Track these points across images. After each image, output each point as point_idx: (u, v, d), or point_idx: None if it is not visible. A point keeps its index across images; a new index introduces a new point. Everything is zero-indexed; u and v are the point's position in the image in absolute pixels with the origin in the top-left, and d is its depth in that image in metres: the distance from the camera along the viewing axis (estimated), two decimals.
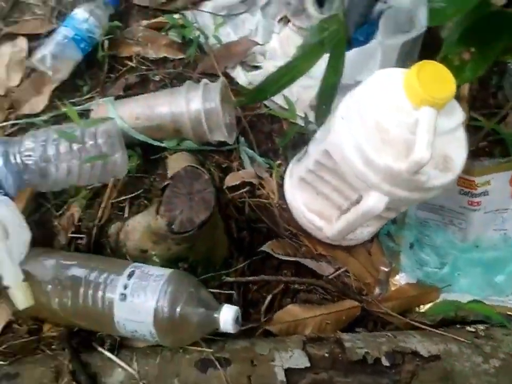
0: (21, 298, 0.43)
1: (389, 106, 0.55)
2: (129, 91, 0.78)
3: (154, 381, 0.56)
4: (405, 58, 0.74)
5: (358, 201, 0.63)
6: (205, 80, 0.70)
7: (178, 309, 0.55)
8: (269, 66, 0.78)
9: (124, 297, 0.56)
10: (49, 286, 0.57)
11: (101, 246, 0.68)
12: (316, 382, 0.58)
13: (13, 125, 0.75)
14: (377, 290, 0.72)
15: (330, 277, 0.71)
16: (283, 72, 0.63)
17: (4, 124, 0.75)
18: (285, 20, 0.81)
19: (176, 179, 0.57)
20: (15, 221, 0.58)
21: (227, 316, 0.55)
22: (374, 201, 0.59)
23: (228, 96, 0.70)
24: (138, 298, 0.55)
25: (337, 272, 0.72)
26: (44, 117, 0.75)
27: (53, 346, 0.61)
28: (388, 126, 0.55)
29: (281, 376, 0.57)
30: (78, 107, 0.75)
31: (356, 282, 0.72)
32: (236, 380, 0.57)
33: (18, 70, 0.79)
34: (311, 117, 0.75)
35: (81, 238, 0.67)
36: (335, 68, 0.61)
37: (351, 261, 0.74)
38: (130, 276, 0.57)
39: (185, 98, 0.69)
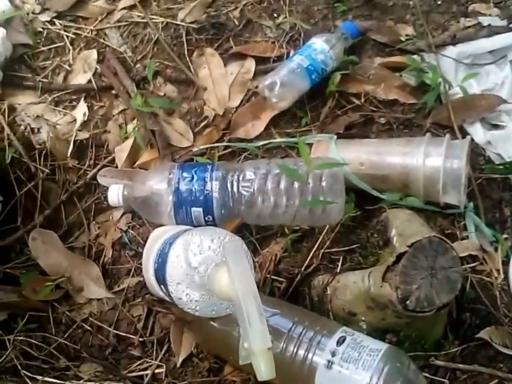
0: (265, 368, 0.40)
1: None
2: (350, 130, 0.74)
3: None
4: None
5: None
6: (448, 136, 0.64)
7: None
8: None
9: (330, 364, 0.53)
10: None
11: (299, 296, 0.66)
12: None
13: (226, 147, 0.76)
14: None
15: None
16: None
17: (217, 144, 0.76)
18: None
19: (417, 248, 0.52)
20: None
21: None
22: None
23: (469, 156, 0.63)
24: (347, 370, 0.52)
25: None
26: (258, 144, 0.75)
27: None
28: None
29: None
30: (293, 139, 0.75)
31: None
32: None
33: (241, 91, 0.80)
34: None
35: (280, 282, 0.66)
36: None
37: None
38: (340, 342, 0.54)
39: (423, 152, 0.64)
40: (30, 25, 0.84)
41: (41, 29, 0.84)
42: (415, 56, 0.79)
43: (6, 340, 0.61)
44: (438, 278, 0.52)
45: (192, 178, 0.66)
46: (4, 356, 0.59)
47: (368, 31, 0.82)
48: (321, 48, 0.75)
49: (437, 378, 0.60)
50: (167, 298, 0.57)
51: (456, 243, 0.66)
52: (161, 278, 0.53)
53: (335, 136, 0.72)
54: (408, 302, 0.52)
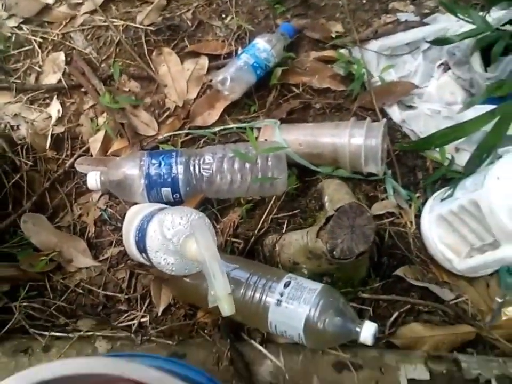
0: (227, 307, 0.56)
1: None
2: (292, 115, 0.90)
3: (297, 376, 0.69)
4: None
5: (493, 245, 0.71)
6: (368, 119, 0.81)
7: (326, 320, 0.66)
8: (424, 108, 0.87)
9: (279, 302, 0.68)
10: None
11: (254, 253, 0.81)
12: None
13: (187, 134, 0.90)
14: (489, 318, 0.80)
15: (451, 303, 0.80)
16: (451, 130, 0.73)
17: (180, 132, 0.90)
18: (445, 67, 0.88)
19: (341, 212, 0.67)
20: None
21: (368, 332, 0.65)
22: None
23: (386, 134, 0.79)
24: (292, 306, 0.67)
25: (457, 300, 0.80)
26: (214, 130, 0.89)
27: (206, 331, 0.76)
28: None
29: None
30: (244, 124, 0.89)
31: (472, 309, 0.80)
32: (366, 382, 0.69)
33: (197, 85, 0.93)
34: (457, 159, 0.82)
35: (238, 243, 0.81)
36: (498, 134, 0.69)
37: (471, 290, 0.82)
38: (286, 285, 0.69)
39: (349, 133, 0.80)
40: None
41: (9, 34, 0.94)
42: (343, 50, 0.94)
43: (13, 306, 0.75)
44: (356, 234, 0.68)
45: (160, 164, 0.79)
46: (13, 319, 0.72)
47: (304, 28, 0.96)
48: (264, 47, 0.89)
49: (364, 307, 0.77)
50: (147, 263, 0.71)
51: (377, 203, 0.83)
52: (142, 248, 0.67)
53: (279, 122, 0.87)
54: (334, 252, 0.68)
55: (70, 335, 0.72)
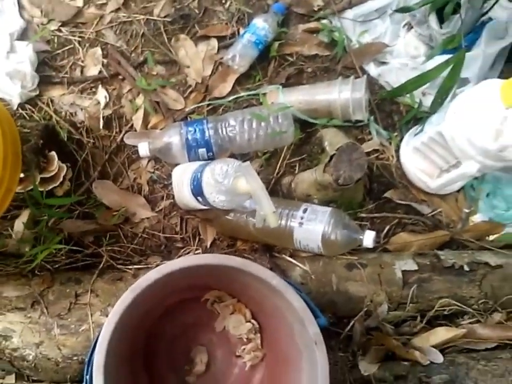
0: (274, 220, 0.77)
1: (488, 106, 0.81)
2: (290, 80, 1.06)
3: (320, 275, 0.90)
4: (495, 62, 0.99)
5: (456, 166, 0.92)
6: (352, 77, 0.99)
7: (337, 233, 0.86)
8: (394, 62, 1.04)
9: (301, 224, 0.88)
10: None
11: (275, 192, 1.00)
12: (420, 279, 0.91)
13: (208, 105, 1.07)
14: (460, 225, 1.02)
15: (428, 215, 1.01)
16: (417, 78, 0.93)
17: (202, 104, 1.06)
18: (408, 26, 1.04)
19: (341, 150, 0.86)
20: None
21: (369, 237, 0.85)
22: (470, 167, 0.86)
23: (367, 87, 0.98)
24: (311, 225, 0.87)
25: (433, 212, 1.02)
26: (229, 99, 1.06)
27: (244, 255, 0.96)
28: (486, 119, 0.80)
29: (399, 275, 0.90)
30: (252, 92, 1.06)
31: (446, 219, 1.02)
32: (370, 276, 0.90)
33: (210, 63, 1.08)
34: (424, 101, 1.02)
35: None
36: (453, 77, 0.88)
37: (443, 204, 1.03)
38: (304, 211, 0.89)
39: (338, 90, 0.97)
40: (42, 34, 1.07)
41: (52, 36, 1.09)
42: (325, 21, 1.09)
43: (100, 251, 0.95)
44: (354, 165, 0.85)
45: (195, 130, 0.97)
46: (103, 260, 0.93)
47: (291, 6, 1.11)
48: (262, 26, 1.04)
49: (363, 223, 0.98)
50: (201, 206, 0.90)
51: (365, 143, 1.02)
52: (198, 193, 0.86)
53: (281, 86, 1.04)
54: (339, 181, 0.86)
55: (148, 266, 0.94)
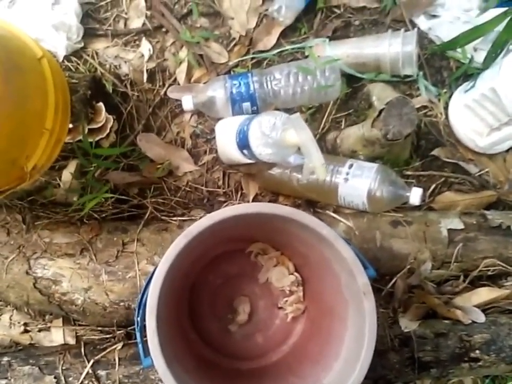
0: (322, 172, 0.76)
1: None
2: (336, 33, 1.04)
3: (363, 231, 0.90)
4: None
5: (508, 124, 0.89)
6: (402, 30, 0.95)
7: (383, 189, 0.85)
8: (446, 16, 0.99)
9: (346, 180, 0.87)
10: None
11: (319, 148, 0.98)
12: (466, 238, 0.90)
13: (252, 58, 1.05)
14: (506, 186, 1.00)
15: (476, 175, 0.99)
16: (471, 32, 0.88)
17: (246, 57, 1.04)
18: None
19: (390, 104, 0.85)
20: None
21: (416, 195, 0.85)
22: None
23: (417, 41, 0.94)
24: (356, 181, 0.86)
25: (481, 172, 1.00)
26: (274, 52, 1.04)
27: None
28: None
29: (444, 233, 0.89)
30: (297, 45, 1.04)
31: (493, 180, 1.00)
32: (415, 233, 0.89)
33: (255, 15, 1.06)
34: (475, 57, 0.98)
35: None
36: (510, 31, 0.83)
37: (491, 164, 1.01)
38: (350, 167, 0.88)
39: (388, 43, 0.94)
40: None
41: None
42: None
43: (145, 202, 0.96)
44: (403, 119, 0.84)
45: (240, 84, 0.96)
46: (148, 212, 0.95)
47: None
48: None
49: (408, 180, 0.97)
50: (246, 160, 0.90)
51: (414, 99, 0.99)
52: (245, 146, 0.85)
53: (327, 39, 1.01)
54: (388, 136, 0.85)
55: (192, 218, 0.95)
